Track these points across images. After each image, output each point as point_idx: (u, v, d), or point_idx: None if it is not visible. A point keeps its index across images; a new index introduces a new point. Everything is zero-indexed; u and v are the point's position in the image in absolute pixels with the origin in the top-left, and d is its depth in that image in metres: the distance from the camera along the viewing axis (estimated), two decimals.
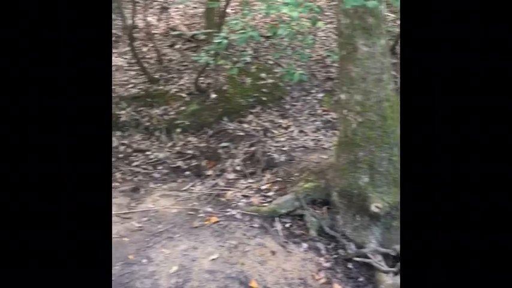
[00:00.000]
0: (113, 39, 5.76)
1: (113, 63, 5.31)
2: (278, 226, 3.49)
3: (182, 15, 6.08)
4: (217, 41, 3.74)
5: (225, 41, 3.66)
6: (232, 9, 5.44)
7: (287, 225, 3.52)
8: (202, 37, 5.02)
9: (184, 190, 3.93)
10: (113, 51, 5.54)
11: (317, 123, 4.61)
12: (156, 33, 5.55)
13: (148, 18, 5.61)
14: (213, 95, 4.69)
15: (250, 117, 4.61)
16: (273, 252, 3.25)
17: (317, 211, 3.55)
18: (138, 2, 5.17)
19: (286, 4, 2.78)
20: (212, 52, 4.12)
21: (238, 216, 3.58)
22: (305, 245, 3.35)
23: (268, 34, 5.31)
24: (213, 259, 3.17)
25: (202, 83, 4.80)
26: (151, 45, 5.27)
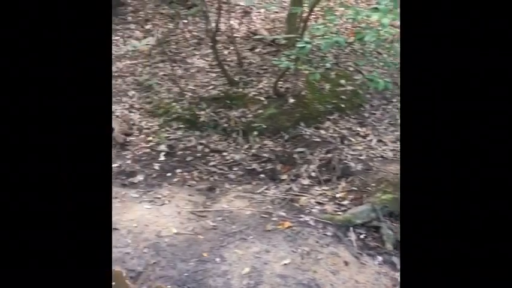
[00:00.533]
0: (195, 41, 5.95)
1: (194, 65, 5.48)
2: (352, 236, 3.41)
3: (263, 20, 6.15)
4: (300, 45, 3.73)
5: (309, 46, 3.63)
6: (313, 14, 5.41)
7: (362, 236, 3.44)
8: (283, 42, 5.03)
9: (259, 193, 3.94)
10: (195, 53, 5.72)
11: (397, 133, 4.47)
12: (237, 37, 5.65)
13: (231, 22, 5.72)
14: (291, 100, 4.68)
15: (327, 123, 4.56)
16: (346, 263, 3.18)
17: (394, 224, 3.44)
18: (222, 6, 5.27)
19: (376, 10, 2.71)
20: (293, 57, 4.11)
21: (312, 223, 3.54)
22: (380, 258, 3.25)
23: (349, 40, 5.25)
24: (285, 264, 3.16)
25: (280, 87, 4.81)
26: (233, 48, 5.37)
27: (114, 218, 3.66)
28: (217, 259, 3.23)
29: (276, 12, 6.23)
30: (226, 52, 5.51)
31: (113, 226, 3.58)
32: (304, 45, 3.70)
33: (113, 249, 3.36)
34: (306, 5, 4.92)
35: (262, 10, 6.25)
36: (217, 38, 5.13)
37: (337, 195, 3.84)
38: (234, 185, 4.07)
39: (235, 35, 5.61)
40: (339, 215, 3.60)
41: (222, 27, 5.43)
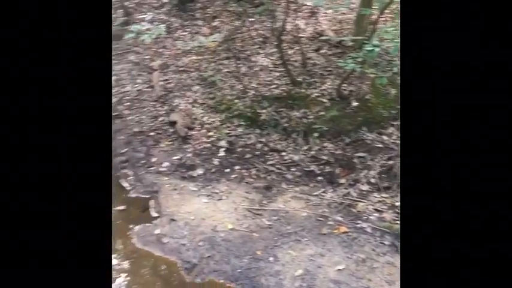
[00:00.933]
0: (260, 40, 5.96)
1: (258, 63, 5.50)
2: None
3: (330, 21, 6.07)
4: (367, 48, 3.64)
5: (377, 49, 3.55)
6: (382, 17, 5.28)
7: None
8: (350, 43, 4.94)
9: (316, 195, 3.90)
10: (260, 51, 5.73)
11: None
12: (302, 37, 5.62)
13: (297, 22, 5.69)
14: (355, 103, 4.59)
15: (391, 129, 4.43)
16: None
17: None
18: (289, 6, 5.25)
19: None
20: (359, 59, 4.02)
21: (369, 230, 3.46)
22: None
23: None
24: (339, 269, 3.11)
25: (344, 89, 4.73)
26: (297, 48, 5.34)
27: (172, 210, 3.76)
28: (271, 258, 3.23)
29: (344, 13, 6.13)
30: (290, 52, 5.48)
31: (171, 217, 3.67)
32: (372, 48, 3.61)
33: (170, 240, 3.45)
34: (375, 7, 4.80)
35: (329, 11, 6.16)
36: (283, 37, 5.12)
37: (397, 204, 3.73)
38: (291, 186, 4.05)
39: (300, 35, 5.58)
40: (398, 224, 3.50)
41: (288, 26, 5.41)
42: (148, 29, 4.65)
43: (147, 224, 3.65)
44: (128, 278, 3.21)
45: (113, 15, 6.76)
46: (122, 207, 3.91)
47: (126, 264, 3.32)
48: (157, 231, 3.54)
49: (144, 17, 5.93)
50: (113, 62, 5.97)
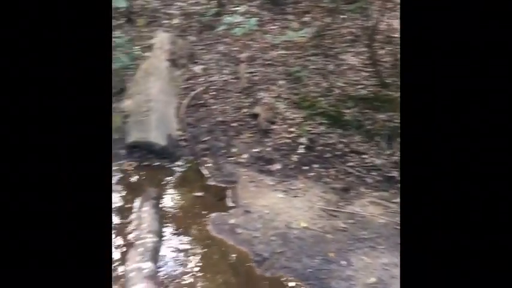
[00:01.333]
0: (350, 38, 5.83)
1: (346, 62, 5.38)
2: None
3: None
4: None
5: None
6: None
7: None
8: None
9: (395, 202, 3.75)
10: (349, 50, 5.61)
11: None
12: (396, 37, 5.41)
13: (391, 21, 5.50)
14: None
15: None
16: None
17: None
18: (385, 4, 5.08)
19: None
20: None
21: None
22: None
23: None
24: None
25: None
26: (389, 48, 5.16)
27: (248, 201, 3.79)
28: (343, 262, 3.15)
29: None
30: (381, 52, 5.31)
31: (246, 209, 3.70)
32: None
33: (243, 231, 3.47)
34: None
35: None
36: (375, 36, 4.96)
37: None
38: (369, 190, 3.92)
39: (394, 35, 5.38)
40: None
41: (381, 26, 5.24)
42: (240, 22, 4.71)
43: (222, 213, 3.71)
44: (199, 262, 3.28)
45: (206, 6, 6.93)
46: (199, 194, 4.00)
47: (199, 249, 3.39)
48: (231, 221, 3.58)
49: (236, 9, 6.00)
50: (202, 51, 6.12)
